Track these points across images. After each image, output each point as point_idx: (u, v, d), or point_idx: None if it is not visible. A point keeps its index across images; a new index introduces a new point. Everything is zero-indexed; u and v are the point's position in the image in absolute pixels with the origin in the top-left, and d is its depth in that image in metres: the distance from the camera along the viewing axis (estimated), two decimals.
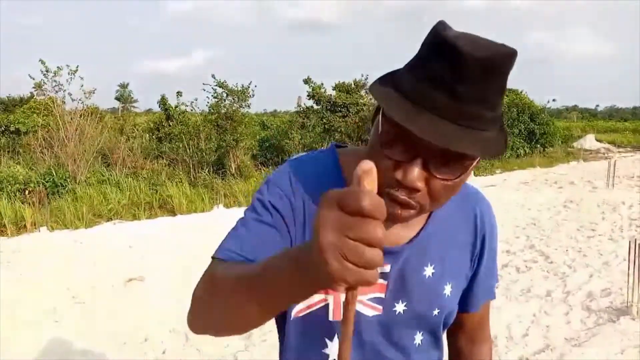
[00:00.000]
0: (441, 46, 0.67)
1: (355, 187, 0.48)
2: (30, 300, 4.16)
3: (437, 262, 0.90)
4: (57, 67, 10.48)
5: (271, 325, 0.92)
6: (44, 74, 10.45)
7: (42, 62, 10.40)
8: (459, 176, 0.73)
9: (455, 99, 0.67)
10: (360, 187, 0.48)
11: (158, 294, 4.38)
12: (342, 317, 0.53)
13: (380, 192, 0.69)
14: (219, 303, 0.69)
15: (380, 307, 0.88)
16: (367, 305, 0.88)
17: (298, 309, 0.88)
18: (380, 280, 0.87)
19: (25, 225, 7.01)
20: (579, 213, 7.99)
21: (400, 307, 0.89)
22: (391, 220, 0.75)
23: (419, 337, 0.93)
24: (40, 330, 3.69)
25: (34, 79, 10.86)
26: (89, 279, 4.72)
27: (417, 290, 0.89)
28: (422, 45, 0.72)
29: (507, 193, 9.95)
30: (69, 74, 10.44)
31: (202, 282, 0.76)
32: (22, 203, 7.71)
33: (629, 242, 4.08)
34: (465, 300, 1.00)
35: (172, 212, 8.24)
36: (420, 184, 0.71)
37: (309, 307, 0.87)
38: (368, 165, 0.49)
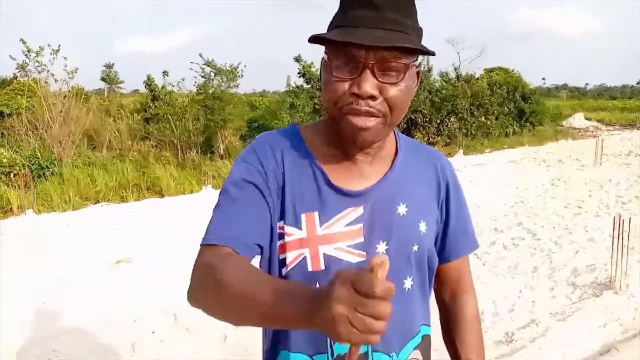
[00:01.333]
0: None
1: (369, 275, 0.58)
2: (17, 283, 4.14)
3: (408, 201, 0.96)
4: (40, 47, 10.26)
5: None
6: (26, 55, 10.23)
7: (23, 42, 10.16)
8: (403, 77, 0.84)
9: (378, 11, 0.81)
10: (373, 274, 0.58)
11: (146, 275, 4.38)
12: None
13: (342, 112, 0.85)
14: (222, 306, 0.78)
15: (364, 253, 0.91)
16: (349, 252, 0.91)
17: (284, 271, 0.91)
18: (357, 225, 0.91)
19: (11, 209, 6.94)
20: (567, 191, 8.06)
21: (381, 247, 0.92)
22: (362, 134, 0.85)
23: (408, 282, 0.96)
24: (29, 312, 3.68)
25: (15, 59, 10.63)
26: (77, 261, 4.70)
27: (394, 228, 0.93)
28: None
29: (495, 172, 10.01)
30: (51, 53, 10.22)
31: (204, 273, 0.81)
32: (7, 186, 7.62)
33: (614, 218, 4.13)
34: (445, 252, 1.04)
35: (160, 194, 8.19)
36: (375, 92, 0.82)
37: (287, 265, 0.90)
38: (382, 259, 0.59)
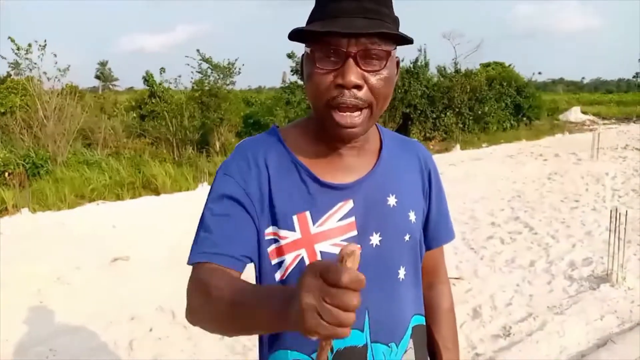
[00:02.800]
0: None
1: (338, 265, 0.56)
2: (14, 282, 4.12)
3: (397, 191, 0.97)
4: (28, 44, 10.17)
5: None
6: (16, 53, 10.15)
7: (12, 40, 10.08)
8: (385, 64, 0.84)
9: (355, 0, 0.82)
10: (342, 265, 0.56)
11: (143, 273, 4.37)
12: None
13: (328, 106, 0.85)
14: (212, 319, 0.81)
15: (358, 245, 0.89)
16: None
17: (280, 275, 0.91)
18: (349, 219, 0.92)
19: (6, 208, 6.89)
20: (563, 185, 8.08)
21: (375, 239, 0.93)
22: (349, 131, 0.85)
23: (402, 272, 0.97)
24: (26, 311, 3.67)
25: (5, 58, 10.56)
26: (74, 260, 4.68)
27: (386, 219, 0.94)
28: None
29: (493, 166, 10.02)
30: (38, 49, 10.13)
31: (195, 291, 0.84)
32: (2, 185, 7.57)
33: (610, 211, 4.14)
34: (425, 238, 1.05)
35: (156, 192, 8.15)
36: (360, 81, 0.82)
37: (287, 268, 0.91)
38: (352, 248, 0.58)
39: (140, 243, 5.14)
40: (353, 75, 0.81)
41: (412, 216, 0.98)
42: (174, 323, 3.48)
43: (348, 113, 0.84)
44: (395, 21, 0.87)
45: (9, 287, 4.01)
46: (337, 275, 0.55)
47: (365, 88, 0.83)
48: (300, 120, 1.01)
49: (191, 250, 0.89)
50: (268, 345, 0.96)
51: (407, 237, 0.97)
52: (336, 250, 0.89)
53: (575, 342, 3.10)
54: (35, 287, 4.08)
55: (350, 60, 0.81)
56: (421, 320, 1.03)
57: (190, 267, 0.91)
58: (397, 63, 0.91)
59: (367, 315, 0.92)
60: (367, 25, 0.81)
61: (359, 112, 0.84)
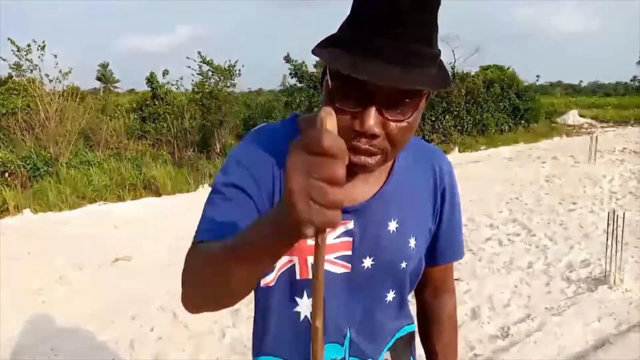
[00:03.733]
0: None
1: (317, 128, 0.51)
2: (16, 282, 4.14)
3: (400, 216, 0.92)
4: (27, 44, 10.19)
5: None
6: (16, 54, 10.18)
7: (12, 42, 10.10)
8: (412, 115, 0.76)
9: (396, 40, 0.70)
10: (321, 126, 0.51)
11: (145, 273, 4.39)
12: (313, 263, 0.56)
13: None
14: (208, 276, 0.71)
15: (349, 265, 0.90)
16: (335, 263, 0.90)
17: (267, 281, 0.90)
18: (346, 238, 0.89)
19: (7, 209, 6.92)
20: (561, 187, 8.11)
21: (367, 262, 0.91)
22: (360, 170, 0.80)
23: (390, 295, 0.95)
24: (27, 311, 3.69)
25: (5, 60, 10.58)
26: (75, 260, 4.71)
27: (383, 245, 0.91)
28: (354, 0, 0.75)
29: (491, 168, 10.05)
30: (37, 49, 10.15)
31: (188, 263, 0.78)
32: (4, 186, 7.60)
33: (608, 214, 4.17)
34: (431, 255, 1.02)
35: (157, 193, 8.18)
36: (378, 129, 0.75)
37: (276, 273, 0.89)
38: (328, 109, 0.53)
39: (141, 243, 5.16)
40: (372, 123, 0.74)
41: (412, 242, 0.94)
42: (175, 323, 3.50)
43: (361, 156, 0.78)
44: (437, 57, 0.76)
45: (10, 287, 4.04)
46: (319, 140, 0.49)
47: (383, 136, 0.76)
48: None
49: (197, 228, 0.84)
50: (254, 351, 0.96)
51: (403, 265, 0.93)
52: (328, 267, 0.88)
53: (573, 343, 3.13)
54: (36, 287, 4.10)
55: (373, 108, 0.74)
56: (408, 329, 1.02)
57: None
58: (428, 96, 0.81)
59: (348, 331, 0.92)
60: (403, 78, 0.70)
61: (373, 156, 0.78)
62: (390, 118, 0.75)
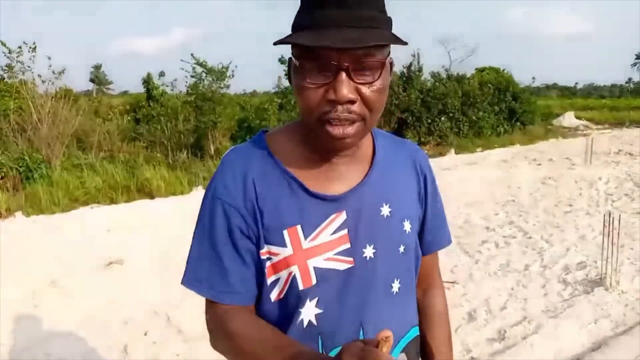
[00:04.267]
0: None
1: (376, 352, 0.63)
2: (8, 286, 4.09)
3: (391, 201, 0.93)
4: (18, 46, 10.13)
5: None
6: (7, 56, 10.11)
7: (3, 43, 10.03)
8: (380, 75, 0.80)
9: (344, 8, 0.76)
10: (379, 350, 0.64)
11: (138, 277, 4.35)
12: None
13: (320, 121, 0.79)
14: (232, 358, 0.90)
15: (351, 259, 0.89)
16: (337, 259, 0.89)
17: (275, 295, 0.89)
18: (342, 232, 0.88)
19: None
20: (557, 189, 8.12)
21: (369, 252, 0.90)
22: (340, 146, 0.83)
23: (396, 285, 0.94)
24: (20, 315, 3.64)
25: None
26: (68, 264, 4.66)
27: (380, 230, 0.91)
28: None
29: (487, 171, 10.06)
30: (28, 51, 10.09)
31: (218, 332, 0.90)
32: None
33: (604, 215, 4.16)
34: (420, 244, 1.02)
35: (151, 195, 8.13)
36: (353, 95, 0.78)
37: (282, 288, 0.89)
38: (387, 333, 0.65)
39: (134, 247, 5.11)
40: (346, 89, 0.77)
41: (406, 226, 0.94)
42: (168, 327, 3.46)
43: (341, 126, 0.80)
44: (389, 23, 0.81)
45: (2, 291, 3.98)
46: None
47: (359, 101, 0.79)
48: (290, 124, 0.96)
49: (194, 276, 0.89)
50: None
51: (401, 249, 0.94)
52: (329, 264, 0.88)
53: (569, 345, 3.11)
54: (29, 291, 4.05)
55: (343, 74, 0.77)
56: (416, 331, 1.02)
57: (182, 270, 0.91)
58: (391, 65, 0.86)
59: (361, 329, 0.90)
60: (360, 38, 0.75)
61: (352, 124, 0.80)
62: (360, 81, 0.78)
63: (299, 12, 0.81)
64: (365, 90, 0.79)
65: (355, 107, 0.79)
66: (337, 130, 0.80)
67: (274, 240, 0.86)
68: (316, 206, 0.87)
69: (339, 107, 0.78)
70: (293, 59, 0.82)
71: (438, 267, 1.12)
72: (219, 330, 0.89)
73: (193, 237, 0.91)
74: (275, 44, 0.80)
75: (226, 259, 0.87)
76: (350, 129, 0.80)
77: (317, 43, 0.74)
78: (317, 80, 0.78)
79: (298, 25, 0.80)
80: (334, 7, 0.76)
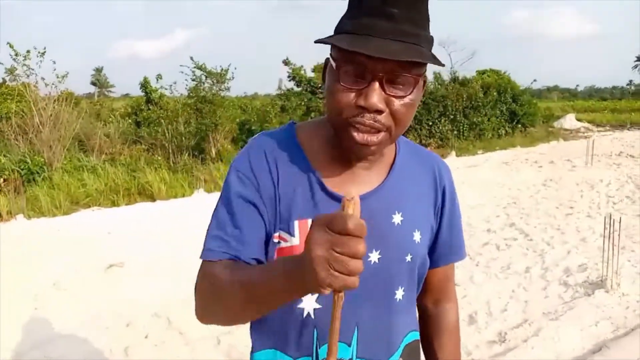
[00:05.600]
0: None
1: (342, 212, 0.61)
2: (9, 288, 4.09)
3: (404, 210, 0.94)
4: (27, 51, 10.16)
5: None
6: (14, 59, 10.13)
7: (10, 46, 10.06)
8: (412, 91, 0.81)
9: (392, 21, 0.77)
10: (345, 211, 0.61)
11: (139, 280, 4.35)
12: (331, 316, 0.64)
13: (347, 123, 0.83)
14: (225, 306, 0.81)
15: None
16: None
17: None
18: None
19: (0, 215, 6.86)
20: (558, 191, 8.12)
21: (374, 257, 0.91)
22: (363, 152, 0.84)
23: (400, 293, 0.95)
24: (21, 317, 3.65)
25: (2, 64, 10.54)
26: (69, 266, 4.66)
27: (388, 237, 0.92)
28: None
29: (488, 173, 10.06)
30: (37, 56, 10.11)
31: (204, 283, 0.85)
32: None
33: (605, 218, 4.16)
34: (432, 257, 1.02)
35: (152, 198, 8.13)
36: (382, 105, 0.80)
37: None
38: (353, 195, 0.63)
39: (135, 249, 5.12)
40: (376, 98, 0.78)
41: (416, 236, 0.95)
42: (169, 329, 3.46)
43: (365, 133, 0.81)
44: (430, 42, 0.83)
45: (4, 293, 3.99)
46: (343, 223, 0.59)
47: (386, 112, 0.81)
48: (319, 120, 0.98)
49: (204, 245, 0.89)
50: (255, 345, 0.97)
51: (408, 258, 0.94)
52: None
53: (570, 347, 3.11)
54: (30, 293, 4.05)
55: (376, 83, 0.78)
56: (415, 336, 1.02)
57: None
58: (424, 83, 0.87)
59: (356, 330, 0.91)
60: (400, 52, 0.76)
61: (376, 133, 0.82)
62: (391, 94, 0.80)
63: (345, 16, 0.83)
64: (395, 102, 0.80)
65: (382, 118, 0.80)
66: (360, 137, 0.81)
67: (285, 227, 0.89)
68: (329, 204, 0.89)
69: (367, 115, 0.80)
70: (331, 59, 0.84)
71: (453, 280, 1.11)
72: (206, 280, 0.85)
73: (213, 212, 0.93)
74: (316, 42, 0.82)
75: (234, 225, 0.88)
76: (374, 138, 0.82)
77: (358, 48, 0.76)
78: (350, 85, 0.80)
79: (342, 28, 0.82)
80: (381, 18, 0.77)
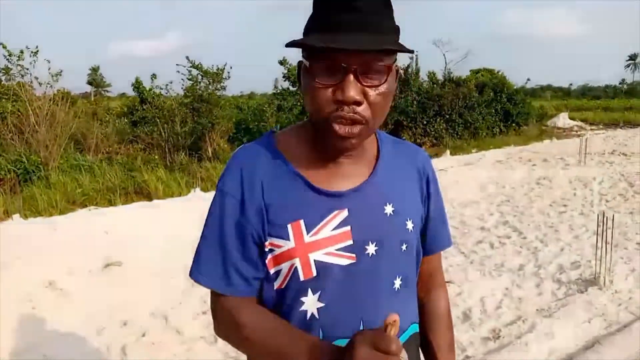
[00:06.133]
0: None
1: (386, 334, 0.73)
2: (5, 288, 4.09)
3: (394, 200, 0.96)
4: (20, 50, 10.13)
5: None
6: (8, 59, 10.10)
7: (4, 46, 10.02)
8: (386, 79, 0.84)
9: (357, 14, 0.80)
10: (388, 333, 0.73)
11: (136, 279, 4.36)
12: None
13: (327, 120, 0.85)
14: (246, 351, 0.95)
15: (353, 255, 0.92)
16: (338, 255, 0.91)
17: (277, 284, 0.93)
18: (344, 228, 0.91)
19: None
20: (552, 190, 8.17)
21: (371, 249, 0.93)
22: (344, 145, 0.86)
23: (398, 282, 0.97)
24: (18, 317, 3.65)
25: None
26: (66, 266, 4.66)
27: (382, 228, 0.94)
28: None
29: (482, 171, 10.09)
30: (30, 55, 10.09)
31: (224, 323, 0.94)
32: None
33: (598, 215, 4.21)
34: (423, 245, 1.05)
35: (149, 197, 8.13)
36: (359, 97, 0.82)
37: (284, 278, 0.92)
38: (394, 317, 0.73)
39: (132, 248, 5.12)
40: (353, 91, 0.81)
41: (409, 225, 0.97)
42: (166, 328, 3.48)
43: (346, 125, 0.84)
44: (397, 31, 0.86)
45: (0, 293, 3.99)
46: (388, 344, 0.72)
47: (364, 104, 0.83)
48: (297, 125, 1.00)
49: (201, 269, 0.93)
50: None
51: (404, 247, 0.96)
52: (330, 259, 0.91)
53: (563, 344, 3.15)
54: (27, 293, 4.05)
55: (351, 76, 0.81)
56: (415, 328, 1.04)
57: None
58: (397, 72, 0.90)
59: (361, 325, 0.93)
60: (369, 42, 0.79)
61: (357, 125, 0.84)
62: (367, 84, 0.82)
63: (311, 16, 0.86)
64: (371, 93, 0.83)
65: (361, 109, 0.83)
66: (342, 129, 0.84)
67: (278, 233, 0.90)
68: (319, 202, 0.91)
69: (345, 108, 0.82)
70: (303, 60, 0.86)
71: (441, 267, 1.15)
72: (228, 321, 0.92)
73: (202, 231, 0.95)
74: (287, 45, 0.84)
75: (233, 253, 0.91)
76: (355, 129, 0.84)
77: (328, 44, 0.79)
78: (326, 81, 0.83)
79: (310, 28, 0.85)
80: (345, 12, 0.80)
